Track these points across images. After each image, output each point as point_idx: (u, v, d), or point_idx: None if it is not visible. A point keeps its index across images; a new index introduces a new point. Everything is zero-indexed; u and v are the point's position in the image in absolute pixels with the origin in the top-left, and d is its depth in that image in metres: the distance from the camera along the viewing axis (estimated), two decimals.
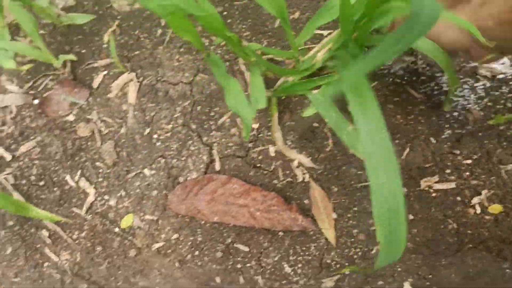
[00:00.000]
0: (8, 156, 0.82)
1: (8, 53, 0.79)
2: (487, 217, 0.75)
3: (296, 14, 0.87)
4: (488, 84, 0.82)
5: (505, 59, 0.83)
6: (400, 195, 0.42)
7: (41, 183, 0.82)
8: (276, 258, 0.77)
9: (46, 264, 0.82)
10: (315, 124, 0.81)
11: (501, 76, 0.82)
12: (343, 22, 0.60)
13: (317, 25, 0.68)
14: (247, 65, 0.82)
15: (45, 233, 0.82)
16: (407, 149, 0.80)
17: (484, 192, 0.76)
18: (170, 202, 0.78)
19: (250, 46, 0.70)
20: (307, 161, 0.77)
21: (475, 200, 0.76)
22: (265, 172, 0.79)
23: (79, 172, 0.82)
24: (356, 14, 0.59)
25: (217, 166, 0.80)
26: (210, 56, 0.76)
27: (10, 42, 0.80)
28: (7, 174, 0.81)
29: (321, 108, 0.68)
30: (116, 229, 0.81)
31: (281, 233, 0.77)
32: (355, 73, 0.27)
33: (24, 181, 0.82)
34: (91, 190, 0.81)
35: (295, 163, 0.79)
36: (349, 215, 0.78)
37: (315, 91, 0.69)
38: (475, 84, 0.82)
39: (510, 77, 0.83)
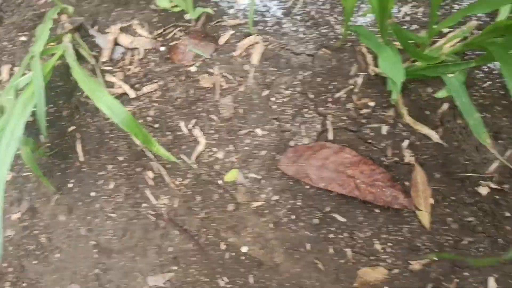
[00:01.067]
0: (132, 93, 0.87)
1: None
2: None
3: (420, 9, 0.93)
4: None
5: None
6: None
7: (156, 125, 0.87)
8: (368, 234, 0.81)
9: (144, 205, 0.86)
10: (427, 112, 0.85)
11: None
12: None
13: (467, 13, 0.74)
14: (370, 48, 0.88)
15: (150, 174, 0.87)
16: (510, 151, 0.84)
17: None
18: (281, 162, 0.83)
19: (396, 24, 0.76)
20: (436, 136, 0.81)
21: None
22: (375, 149, 0.84)
23: (193, 121, 0.87)
24: None
25: (330, 135, 0.85)
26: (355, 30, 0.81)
27: None
28: (128, 110, 0.86)
29: (455, 92, 0.73)
30: (219, 182, 0.85)
31: (377, 210, 0.81)
32: None
33: (141, 120, 0.87)
34: (202, 140, 0.86)
35: (405, 143, 0.83)
36: (445, 203, 0.82)
37: (451, 75, 0.74)
38: None
39: None
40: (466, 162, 0.83)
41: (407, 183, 0.83)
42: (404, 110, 0.82)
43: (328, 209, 0.82)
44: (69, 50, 0.83)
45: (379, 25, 0.75)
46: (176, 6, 0.89)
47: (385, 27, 0.75)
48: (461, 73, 0.76)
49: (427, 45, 0.81)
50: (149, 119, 0.88)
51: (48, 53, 0.82)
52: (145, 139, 0.76)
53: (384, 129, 0.85)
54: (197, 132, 0.87)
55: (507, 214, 0.80)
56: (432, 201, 0.82)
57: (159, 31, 0.92)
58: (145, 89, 0.88)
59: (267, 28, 0.91)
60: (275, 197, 0.84)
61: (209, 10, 0.88)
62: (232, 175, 0.86)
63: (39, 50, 0.79)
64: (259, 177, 0.85)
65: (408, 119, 0.81)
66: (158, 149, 0.78)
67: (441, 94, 0.78)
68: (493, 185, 0.82)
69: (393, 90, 0.71)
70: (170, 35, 0.92)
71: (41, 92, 0.74)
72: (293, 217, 0.83)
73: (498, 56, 0.67)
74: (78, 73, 0.78)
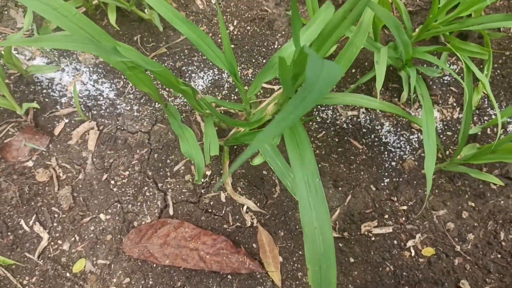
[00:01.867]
0: None
1: None
2: (421, 259, 0.84)
3: (250, 71, 0.98)
4: (421, 137, 0.94)
5: (436, 113, 0.96)
6: (330, 241, 0.50)
7: None
8: None
9: None
10: (264, 172, 0.89)
11: None
12: (283, 79, 0.71)
13: (263, 81, 0.79)
14: (202, 116, 0.91)
15: None
16: (350, 196, 0.89)
17: (418, 236, 0.86)
18: (124, 245, 0.84)
19: (205, 99, 0.80)
20: (253, 206, 0.85)
21: (410, 243, 0.85)
22: (216, 217, 0.87)
23: (34, 217, 0.87)
24: (292, 72, 0.70)
25: (171, 211, 0.87)
26: (167, 106, 0.86)
27: None
28: None
29: (268, 157, 0.77)
30: (68, 274, 0.85)
31: (229, 277, 0.83)
32: (264, 138, 0.34)
33: None
34: (45, 235, 0.86)
35: (245, 208, 0.87)
36: (294, 259, 0.85)
37: None
38: (411, 137, 0.94)
39: (440, 130, 0.95)
40: None
41: (255, 245, 0.85)
42: (228, 181, 0.85)
43: (179, 284, 0.84)
44: None
45: (190, 103, 0.79)
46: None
47: (196, 103, 0.79)
48: (274, 136, 0.80)
49: (249, 111, 0.86)
50: None
51: None
52: None
53: (223, 196, 0.88)
54: (38, 227, 0.86)
55: (352, 259, 0.84)
56: (280, 259, 0.85)
57: None
58: None
59: (101, 111, 0.94)
60: (127, 280, 0.84)
61: (34, 104, 0.89)
62: (80, 265, 0.85)
63: None
64: (108, 262, 0.85)
65: (229, 190, 0.85)
66: None
67: (257, 161, 0.82)
68: (335, 234, 0.86)
69: (196, 173, 0.74)
70: (3, 132, 0.92)
71: None
72: None
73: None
74: None
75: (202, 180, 0.89)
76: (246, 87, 0.97)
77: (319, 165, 0.92)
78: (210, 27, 1.02)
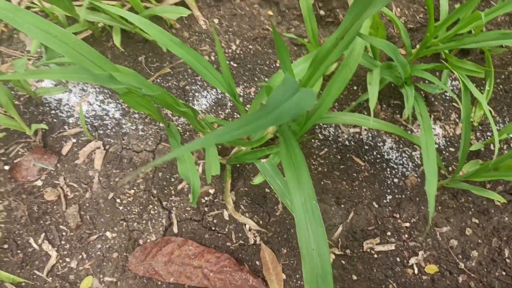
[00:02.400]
0: None
1: None
2: (424, 277, 0.85)
3: (252, 89, 1.01)
4: None
5: (439, 130, 0.97)
6: (327, 262, 0.52)
7: (5, 246, 0.89)
8: None
9: None
10: (266, 190, 0.91)
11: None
12: None
13: (262, 101, 0.81)
14: (205, 135, 0.94)
15: None
16: (352, 213, 0.91)
17: (420, 253, 0.86)
18: (130, 263, 0.86)
19: (207, 119, 0.83)
20: (254, 224, 0.87)
21: (413, 260, 0.86)
22: (219, 234, 0.89)
23: (42, 235, 0.90)
24: None
25: (175, 229, 0.89)
26: (170, 127, 0.88)
27: None
28: None
29: (268, 176, 0.79)
30: None
31: None
32: (194, 146, 0.34)
33: None
34: (53, 253, 0.89)
35: (247, 226, 0.88)
36: (297, 276, 0.87)
37: (264, 160, 0.80)
38: (413, 153, 0.95)
39: (442, 146, 0.96)
40: None
41: (258, 263, 0.87)
42: (229, 200, 0.88)
43: None
44: None
45: (192, 124, 0.82)
46: (4, 130, 0.94)
47: (198, 124, 0.81)
48: (275, 155, 0.82)
49: None
50: None
51: None
52: None
53: (226, 214, 0.90)
54: (46, 245, 0.89)
55: (355, 277, 0.86)
56: (284, 276, 0.86)
57: (1, 151, 0.95)
58: None
59: (107, 131, 0.97)
60: None
61: (42, 125, 0.93)
62: (87, 282, 0.88)
63: None
64: (115, 279, 0.88)
65: (230, 209, 0.87)
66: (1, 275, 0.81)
67: (257, 180, 0.84)
68: (337, 252, 0.87)
69: (191, 195, 0.76)
70: (13, 152, 0.95)
71: None
72: None
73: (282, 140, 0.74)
74: None
75: (206, 198, 0.91)
76: (248, 106, 0.99)
77: (322, 183, 0.93)
78: (213, 46, 1.05)
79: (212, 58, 1.04)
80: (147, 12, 0.97)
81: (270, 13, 1.06)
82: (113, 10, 0.75)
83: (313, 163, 0.95)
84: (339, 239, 0.89)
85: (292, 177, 0.61)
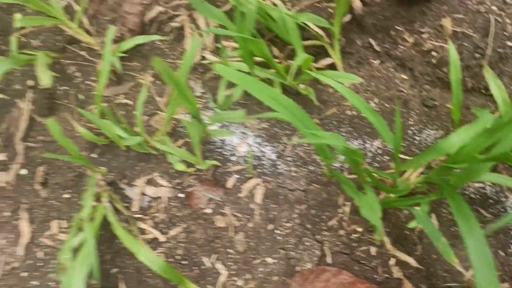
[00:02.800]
0: (162, 238, 1.09)
1: (174, 157, 1.10)
2: None
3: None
4: None
5: None
6: None
7: (184, 262, 1.08)
8: None
9: None
10: (407, 232, 1.07)
11: None
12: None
13: (427, 161, 0.97)
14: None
15: None
16: None
17: None
18: (292, 286, 1.03)
19: (367, 169, 1.00)
20: (412, 260, 1.02)
21: None
22: (367, 268, 1.05)
23: (214, 256, 1.08)
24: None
25: (329, 259, 1.06)
26: (335, 176, 1.05)
27: (177, 149, 1.11)
28: (160, 252, 1.07)
29: (422, 222, 0.95)
30: None
31: None
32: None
33: (171, 259, 1.08)
34: (224, 271, 1.06)
35: (392, 261, 1.04)
36: None
37: (418, 208, 0.96)
38: None
39: None
40: (445, 274, 1.03)
41: None
42: (385, 239, 1.04)
43: None
44: (109, 209, 1.05)
45: (355, 173, 0.99)
46: (191, 166, 1.14)
47: (360, 172, 0.99)
48: (425, 204, 0.98)
49: (396, 179, 1.05)
50: (178, 257, 1.09)
51: (92, 215, 1.04)
52: (179, 280, 0.96)
53: (373, 250, 1.06)
54: (218, 265, 1.07)
55: None
56: None
57: (177, 181, 1.15)
58: (172, 233, 1.10)
59: (265, 170, 1.15)
60: None
61: (215, 162, 1.12)
62: None
63: (87, 215, 1.01)
64: None
65: (389, 247, 1.03)
66: (188, 287, 0.99)
67: (412, 224, 1.00)
68: None
69: (376, 231, 0.93)
70: (186, 183, 1.15)
71: (94, 251, 0.95)
72: None
73: (447, 194, 0.90)
74: (119, 231, 1.00)
75: (354, 235, 1.08)
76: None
77: (451, 229, 1.08)
78: None
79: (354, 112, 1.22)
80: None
81: (405, 77, 1.23)
82: (322, 79, 0.94)
83: (443, 211, 1.11)
84: (470, 280, 1.03)
85: (464, 224, 0.78)
